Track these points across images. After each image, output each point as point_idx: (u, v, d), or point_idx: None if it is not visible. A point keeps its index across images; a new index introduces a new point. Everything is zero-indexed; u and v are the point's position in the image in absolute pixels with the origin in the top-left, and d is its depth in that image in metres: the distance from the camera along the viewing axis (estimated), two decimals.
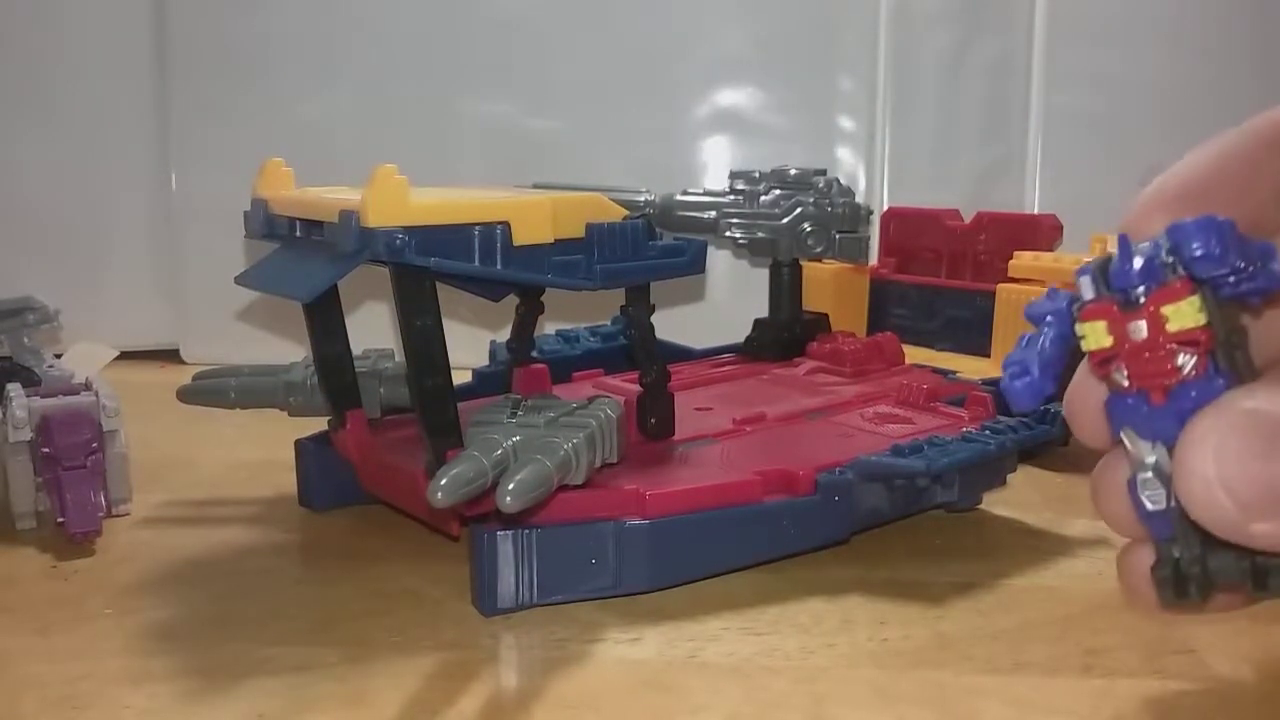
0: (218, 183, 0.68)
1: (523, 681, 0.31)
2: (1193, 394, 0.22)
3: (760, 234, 0.54)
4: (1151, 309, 0.22)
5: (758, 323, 0.57)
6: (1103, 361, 0.23)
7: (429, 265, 0.33)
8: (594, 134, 0.69)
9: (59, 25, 0.71)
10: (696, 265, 0.40)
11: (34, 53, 0.71)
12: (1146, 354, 0.22)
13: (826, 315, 0.59)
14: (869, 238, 0.56)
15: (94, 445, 0.41)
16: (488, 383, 0.49)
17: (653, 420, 0.41)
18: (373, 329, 0.66)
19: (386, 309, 0.68)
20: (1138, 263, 0.22)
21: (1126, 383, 0.22)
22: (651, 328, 0.41)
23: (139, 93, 0.72)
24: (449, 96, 0.69)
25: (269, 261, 0.37)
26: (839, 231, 0.54)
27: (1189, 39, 0.65)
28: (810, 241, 0.54)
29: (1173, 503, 0.22)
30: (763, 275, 0.57)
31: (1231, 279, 0.21)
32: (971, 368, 0.53)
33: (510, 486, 0.30)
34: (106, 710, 0.29)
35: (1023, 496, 0.46)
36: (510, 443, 0.33)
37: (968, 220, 0.58)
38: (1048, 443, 0.44)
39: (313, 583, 0.38)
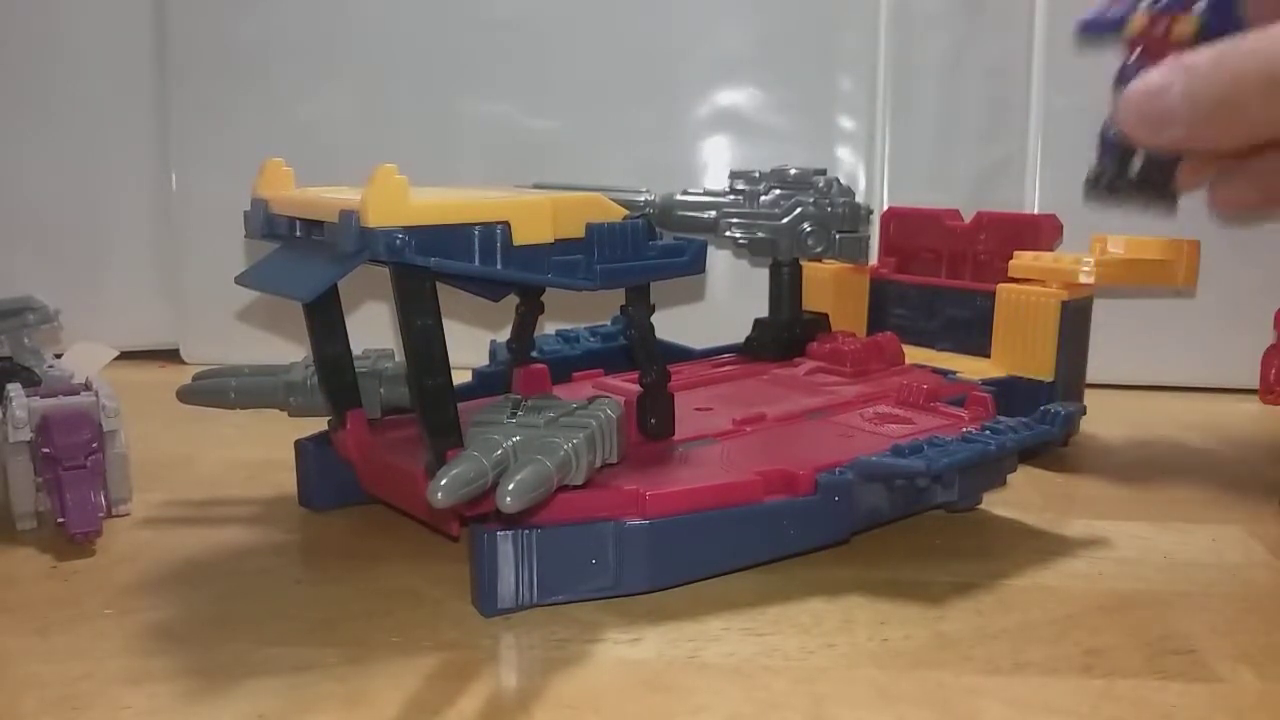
0: (218, 183, 0.68)
1: (523, 681, 0.31)
2: None
3: (760, 234, 0.54)
4: (1170, 17, 0.45)
5: (758, 323, 0.57)
6: (1131, 42, 0.46)
7: (429, 265, 0.33)
8: (594, 134, 0.69)
9: (59, 25, 0.71)
10: (696, 265, 0.40)
11: (34, 53, 0.71)
12: (1156, 41, 0.44)
13: (826, 315, 0.59)
14: (869, 238, 0.56)
15: (94, 445, 0.41)
16: (488, 383, 0.49)
17: (653, 420, 0.41)
18: (373, 329, 0.66)
19: (386, 309, 0.68)
20: None
21: (1134, 55, 0.45)
22: (651, 328, 0.41)
23: (139, 93, 0.72)
24: (449, 96, 0.69)
25: (269, 261, 0.37)
26: (839, 231, 0.54)
27: None
28: (810, 241, 0.54)
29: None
30: (763, 275, 0.57)
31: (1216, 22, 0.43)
32: (971, 368, 0.53)
33: (510, 487, 0.30)
34: (106, 710, 0.29)
35: (1023, 496, 0.46)
36: (510, 443, 0.33)
37: (968, 220, 0.58)
38: (1048, 443, 0.44)
39: (313, 583, 0.38)
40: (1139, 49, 0.46)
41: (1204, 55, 0.39)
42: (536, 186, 0.44)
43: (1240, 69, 0.38)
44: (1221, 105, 0.39)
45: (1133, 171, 0.48)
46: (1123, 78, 0.46)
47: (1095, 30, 0.49)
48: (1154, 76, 0.40)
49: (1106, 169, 0.49)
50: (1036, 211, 0.66)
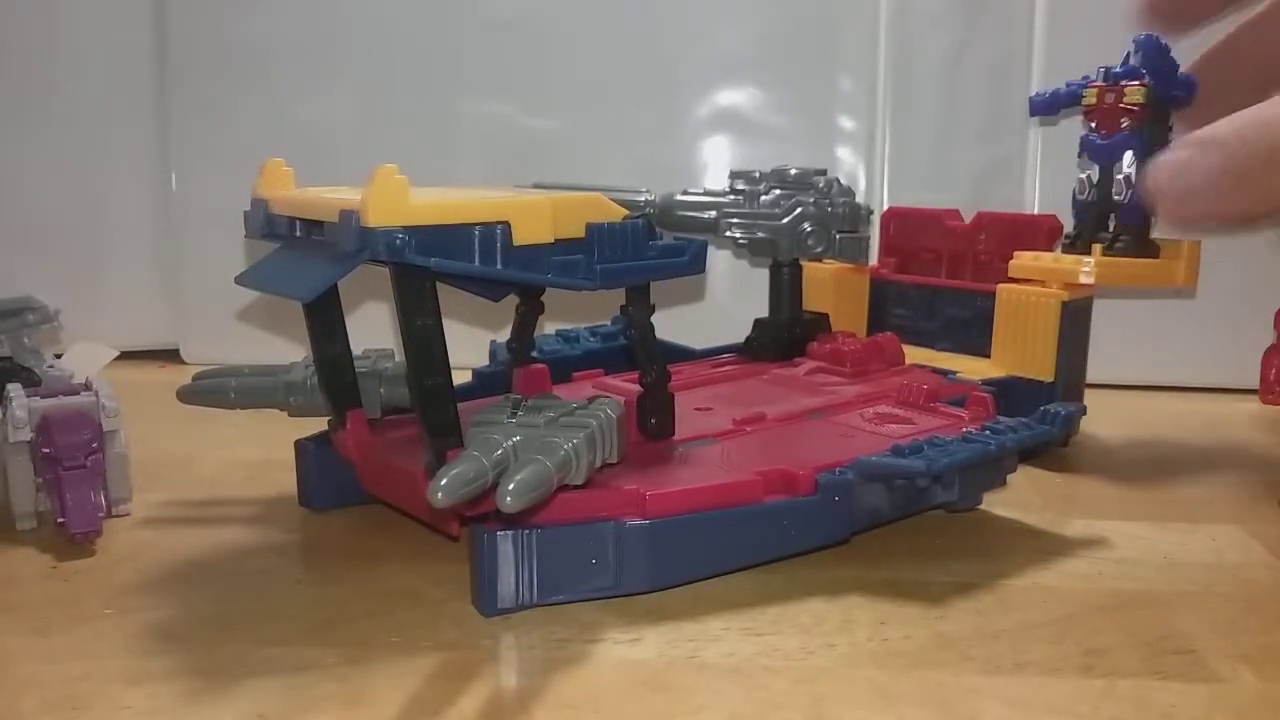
0: (218, 183, 0.68)
1: (523, 681, 0.31)
2: (1123, 138, 0.49)
3: (760, 234, 0.54)
4: (1120, 86, 0.49)
5: (758, 323, 0.57)
6: (1088, 112, 0.51)
7: (429, 265, 0.33)
8: (594, 134, 0.69)
9: (59, 25, 0.71)
10: (696, 265, 0.40)
11: (34, 53, 0.71)
12: (1110, 110, 0.50)
13: (826, 315, 0.59)
14: (869, 238, 0.56)
15: (94, 445, 0.41)
16: (488, 383, 0.49)
17: (653, 420, 0.41)
18: (373, 329, 0.66)
19: (386, 309, 0.68)
20: (1120, 67, 0.50)
21: (1094, 125, 0.51)
22: (651, 328, 0.41)
23: (139, 93, 0.72)
24: (449, 96, 0.69)
25: (269, 261, 0.37)
26: (839, 231, 0.54)
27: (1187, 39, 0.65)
28: (810, 241, 0.54)
29: (1089, 196, 0.51)
30: (763, 275, 0.57)
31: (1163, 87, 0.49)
32: (971, 368, 0.53)
33: (510, 487, 0.30)
34: (106, 710, 0.29)
35: (1023, 496, 0.46)
36: (510, 443, 0.33)
37: (968, 220, 0.58)
38: (1048, 443, 0.44)
39: (313, 583, 0.38)
40: (1096, 119, 0.51)
41: (1225, 129, 0.39)
42: (536, 186, 0.44)
43: (1271, 137, 0.38)
44: (1246, 176, 0.38)
45: (1109, 230, 0.52)
46: (1085, 147, 0.52)
47: (1048, 108, 0.54)
48: (1175, 156, 0.40)
49: (1084, 231, 0.52)
50: (1036, 211, 0.66)
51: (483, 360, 0.53)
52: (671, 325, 0.51)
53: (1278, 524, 0.44)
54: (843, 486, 0.38)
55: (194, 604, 0.36)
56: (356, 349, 0.42)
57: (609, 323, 0.56)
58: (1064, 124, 0.66)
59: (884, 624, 0.34)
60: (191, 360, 0.73)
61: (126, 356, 0.70)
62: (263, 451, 0.51)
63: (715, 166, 0.69)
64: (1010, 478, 0.44)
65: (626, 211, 0.39)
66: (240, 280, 0.37)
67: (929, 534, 0.42)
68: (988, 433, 0.40)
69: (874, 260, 0.61)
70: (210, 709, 0.29)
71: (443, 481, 0.30)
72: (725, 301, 0.69)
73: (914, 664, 0.32)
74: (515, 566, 0.34)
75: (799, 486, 0.38)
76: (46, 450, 0.40)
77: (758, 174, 0.54)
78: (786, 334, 0.56)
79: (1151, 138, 0.50)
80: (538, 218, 0.35)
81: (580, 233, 0.37)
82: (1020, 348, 0.52)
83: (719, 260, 0.68)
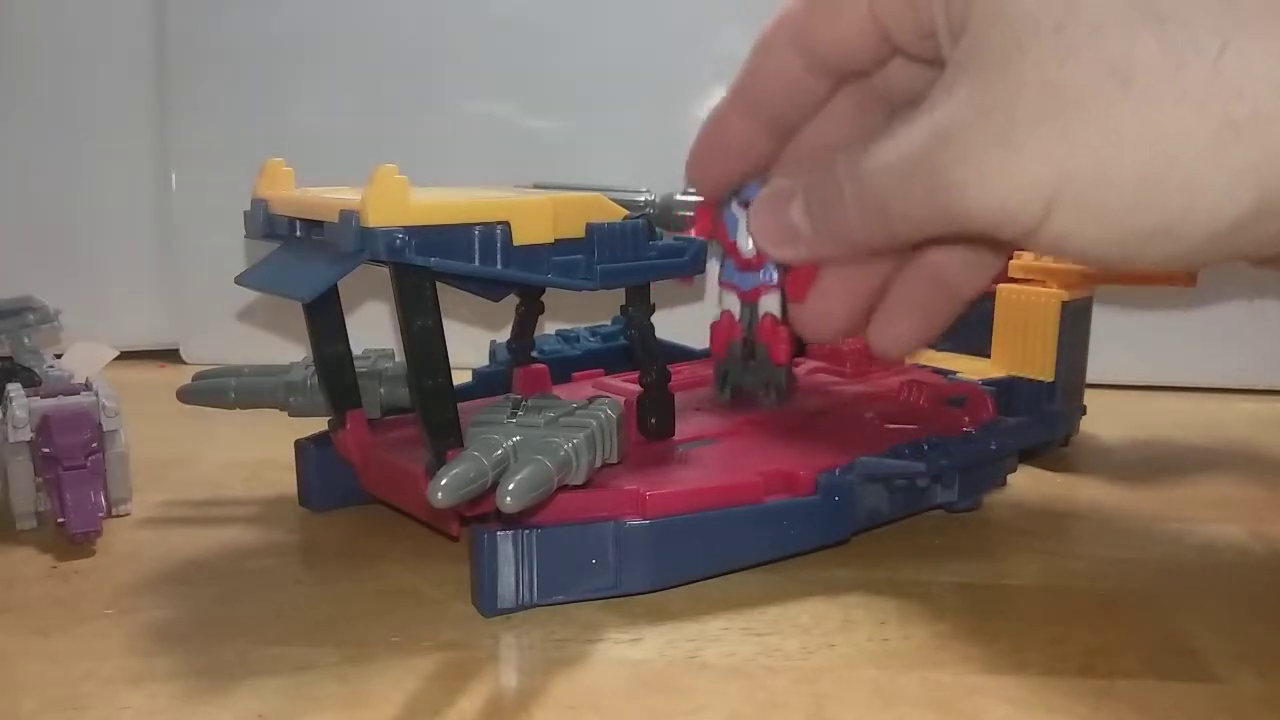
0: (218, 183, 0.68)
1: (523, 681, 0.31)
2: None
3: None
4: None
5: None
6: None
7: (429, 265, 0.33)
8: (594, 134, 0.69)
9: (58, 25, 0.71)
10: (696, 265, 0.40)
11: (34, 52, 0.71)
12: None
13: None
14: None
15: (94, 445, 0.41)
16: (488, 383, 0.49)
17: (653, 420, 0.41)
18: (373, 329, 0.66)
19: (386, 309, 0.68)
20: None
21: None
22: (651, 328, 0.41)
23: (139, 93, 0.72)
24: (449, 96, 0.69)
25: (269, 261, 0.37)
26: None
27: None
28: None
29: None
30: None
31: None
32: (971, 368, 0.52)
33: (510, 487, 0.30)
34: (106, 710, 0.29)
35: (1023, 496, 0.46)
36: (510, 443, 0.33)
37: None
38: (1048, 443, 0.44)
39: (313, 583, 0.38)
40: None
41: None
42: (536, 186, 0.44)
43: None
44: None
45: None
46: None
47: None
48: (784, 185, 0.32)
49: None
50: None
51: (483, 360, 0.53)
52: (671, 325, 0.51)
53: (1278, 524, 0.44)
54: (843, 486, 0.38)
55: (194, 604, 0.36)
56: (356, 349, 0.42)
57: (609, 323, 0.56)
58: None
59: (884, 624, 0.34)
60: (191, 360, 0.73)
61: (126, 356, 0.70)
62: (263, 451, 0.51)
63: None
64: (1010, 478, 0.44)
65: (626, 211, 0.39)
66: (240, 280, 0.37)
67: (929, 534, 0.42)
68: (988, 433, 0.40)
69: None
70: (210, 709, 0.29)
71: (443, 481, 0.30)
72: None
73: (914, 664, 0.32)
74: (515, 566, 0.34)
75: (799, 486, 0.38)
76: (46, 450, 0.40)
77: None
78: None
79: None
80: (538, 218, 0.35)
81: (580, 233, 0.37)
82: (1020, 348, 0.51)
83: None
